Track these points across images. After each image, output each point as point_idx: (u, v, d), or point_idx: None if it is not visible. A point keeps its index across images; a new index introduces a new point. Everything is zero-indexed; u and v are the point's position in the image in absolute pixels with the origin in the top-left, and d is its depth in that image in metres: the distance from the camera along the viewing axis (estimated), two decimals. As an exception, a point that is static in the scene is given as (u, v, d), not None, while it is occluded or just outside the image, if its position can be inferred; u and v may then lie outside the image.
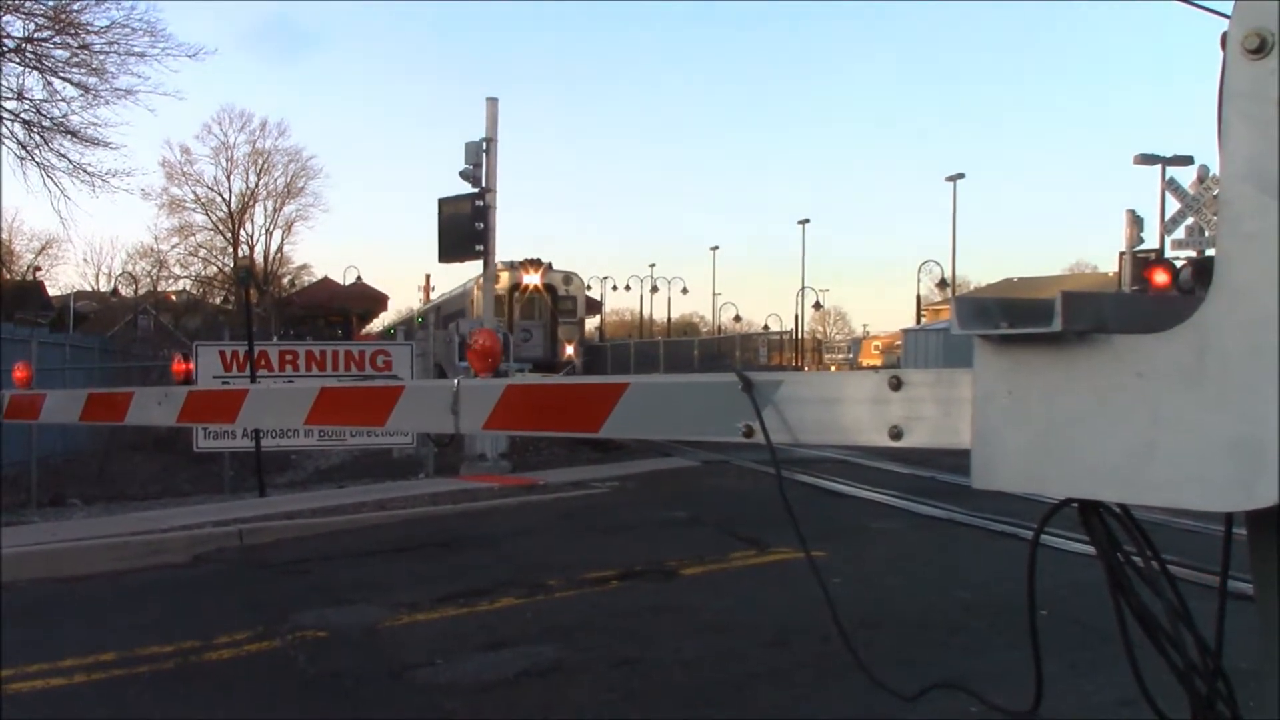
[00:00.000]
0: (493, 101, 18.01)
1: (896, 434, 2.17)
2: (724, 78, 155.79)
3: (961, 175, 54.21)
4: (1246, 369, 1.57)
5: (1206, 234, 27.29)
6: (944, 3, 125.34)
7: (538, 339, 32.05)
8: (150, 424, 5.93)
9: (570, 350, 31.59)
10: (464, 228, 18.02)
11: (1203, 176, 27.54)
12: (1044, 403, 1.80)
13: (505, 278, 29.81)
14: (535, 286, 31.88)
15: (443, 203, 18.56)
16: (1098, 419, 1.73)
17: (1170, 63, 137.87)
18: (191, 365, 15.38)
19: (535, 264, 31.92)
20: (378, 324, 66.77)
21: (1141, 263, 23.97)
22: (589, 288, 35.73)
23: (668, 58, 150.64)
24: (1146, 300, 2.49)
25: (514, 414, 3.30)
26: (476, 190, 17.85)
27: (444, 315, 38.97)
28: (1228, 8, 1.63)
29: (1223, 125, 1.65)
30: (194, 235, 61.17)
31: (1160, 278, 20.79)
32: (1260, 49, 1.58)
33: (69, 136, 25.59)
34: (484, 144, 17.83)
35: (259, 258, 62.15)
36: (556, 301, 32.32)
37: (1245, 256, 1.59)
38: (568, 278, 33.13)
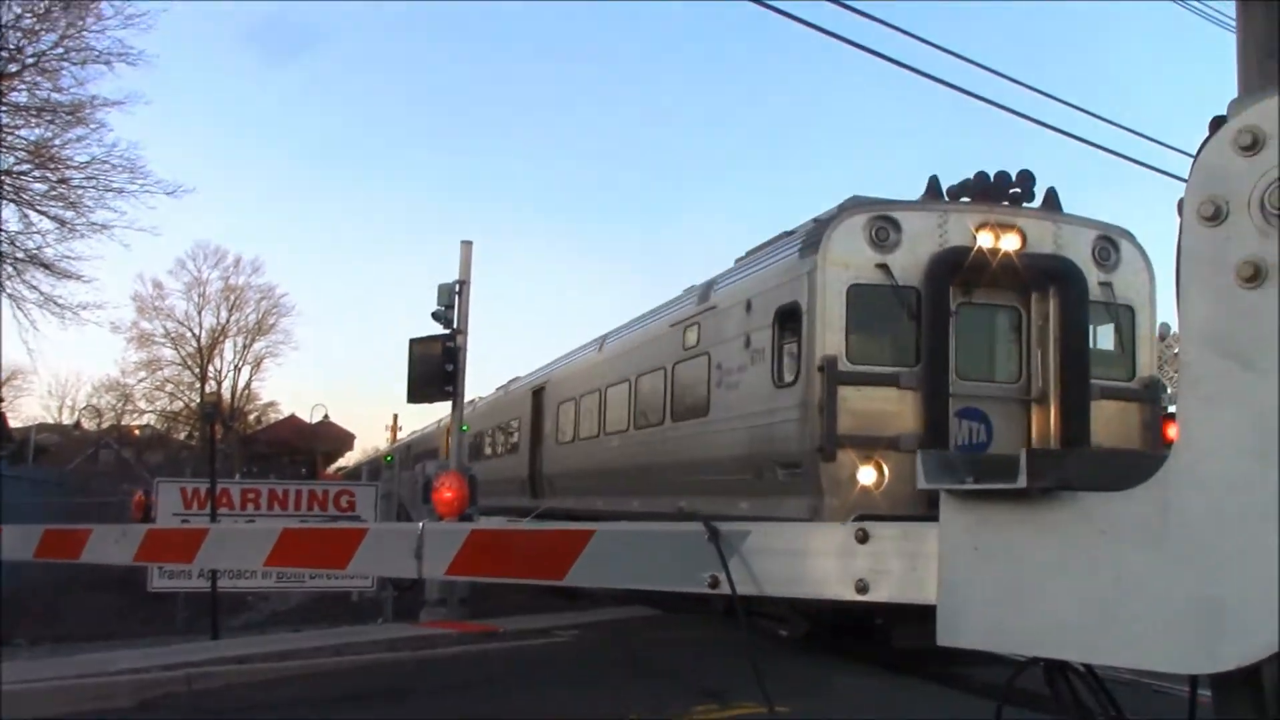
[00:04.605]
0: (467, 245, 18.23)
1: (863, 588, 2.17)
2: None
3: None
4: (1208, 529, 1.58)
5: (1169, 391, 27.68)
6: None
7: (1011, 427, 11.78)
8: (107, 562, 5.81)
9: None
10: (434, 368, 18.04)
11: (1164, 334, 27.98)
12: (1010, 558, 1.80)
13: (916, 224, 11.58)
14: (1008, 258, 11.47)
15: (414, 343, 18.60)
16: (1063, 576, 1.74)
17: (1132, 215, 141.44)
18: (152, 501, 15.18)
19: (1009, 199, 12.11)
20: (343, 462, 66.32)
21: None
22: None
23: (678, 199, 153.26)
24: (1111, 457, 2.51)
25: (478, 560, 3.28)
26: (448, 331, 17.94)
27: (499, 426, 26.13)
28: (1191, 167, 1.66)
29: (1180, 288, 1.69)
30: (161, 369, 61.21)
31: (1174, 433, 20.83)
32: (1215, 216, 1.64)
33: (42, 269, 25.77)
34: (457, 286, 17.98)
35: (226, 394, 62.00)
36: (1077, 312, 11.71)
37: (1206, 417, 1.61)
38: (1107, 246, 12.23)
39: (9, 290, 25.53)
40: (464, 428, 29.02)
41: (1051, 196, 12.24)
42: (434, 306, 18.00)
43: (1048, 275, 11.64)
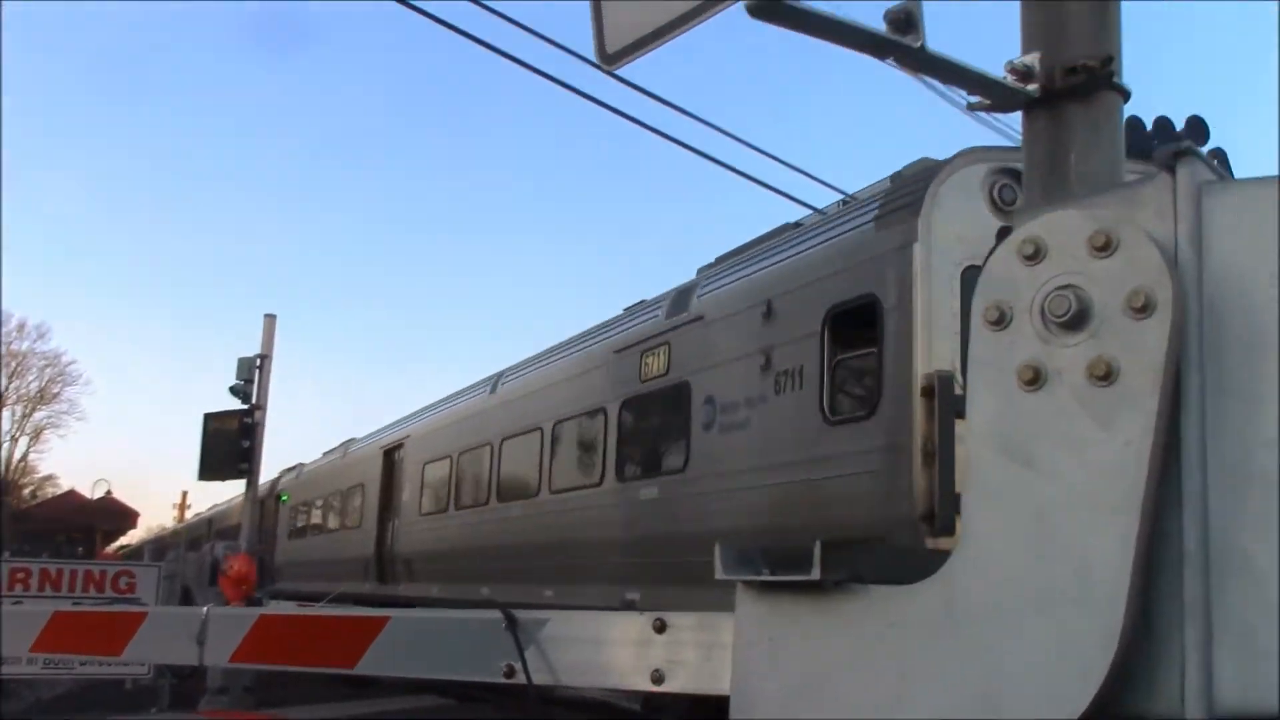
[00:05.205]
0: (270, 318, 17.82)
1: (658, 678, 2.16)
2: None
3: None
4: (987, 624, 1.63)
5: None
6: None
7: None
8: None
9: None
10: (229, 445, 17.44)
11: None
12: (802, 651, 1.82)
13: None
14: None
15: (209, 418, 17.97)
16: (853, 669, 1.76)
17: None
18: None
19: None
20: (126, 540, 63.07)
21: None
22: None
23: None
24: (903, 552, 2.59)
25: (266, 646, 3.15)
26: (246, 407, 17.40)
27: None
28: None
29: (967, 389, 1.77)
30: (-73, 440, 57.20)
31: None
32: (1000, 321, 1.72)
33: None
34: (258, 360, 17.50)
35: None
36: None
37: (987, 514, 1.68)
38: None
39: None
40: (283, 498, 24.58)
41: (1220, 158, 8.97)
42: (232, 380, 17.48)
43: None
